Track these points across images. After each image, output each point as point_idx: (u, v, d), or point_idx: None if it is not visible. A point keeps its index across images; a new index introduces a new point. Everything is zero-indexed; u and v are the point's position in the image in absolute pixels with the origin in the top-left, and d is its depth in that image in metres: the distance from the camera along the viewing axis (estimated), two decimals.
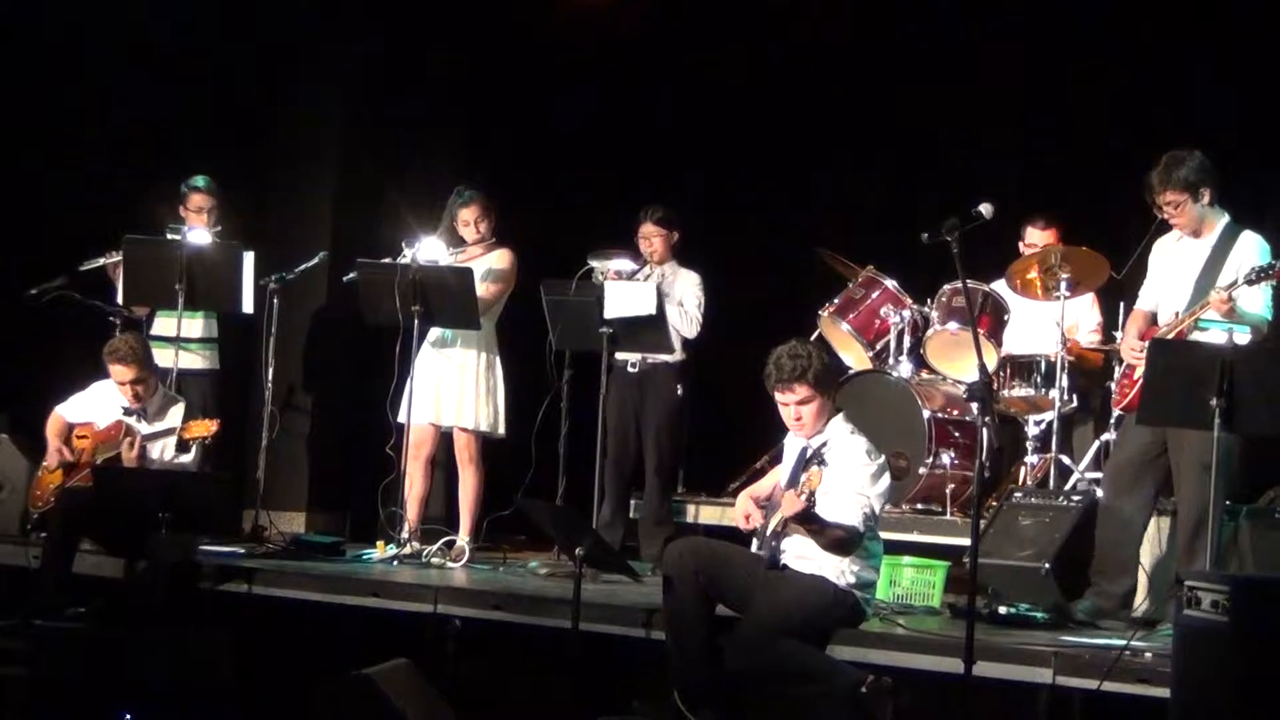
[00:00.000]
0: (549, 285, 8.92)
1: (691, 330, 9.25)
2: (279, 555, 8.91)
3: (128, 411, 8.72)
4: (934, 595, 8.01)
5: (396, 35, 11.08)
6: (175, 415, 8.76)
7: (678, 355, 9.26)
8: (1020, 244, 9.44)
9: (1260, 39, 9.67)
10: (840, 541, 6.73)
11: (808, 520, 6.62)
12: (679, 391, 9.41)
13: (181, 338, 9.38)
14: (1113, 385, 8.55)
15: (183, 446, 8.62)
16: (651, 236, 9.37)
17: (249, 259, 9.51)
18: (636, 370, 9.31)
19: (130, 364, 8.69)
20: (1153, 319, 7.79)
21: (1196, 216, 7.54)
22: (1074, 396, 9.01)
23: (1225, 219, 7.59)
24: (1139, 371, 7.56)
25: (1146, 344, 7.52)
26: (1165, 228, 7.75)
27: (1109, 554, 7.64)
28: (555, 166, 11.33)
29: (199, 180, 9.88)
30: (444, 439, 9.31)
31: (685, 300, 9.23)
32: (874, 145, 11.12)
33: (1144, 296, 7.91)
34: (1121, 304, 8.54)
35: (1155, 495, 7.71)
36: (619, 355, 9.03)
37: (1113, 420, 8.75)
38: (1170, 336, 7.46)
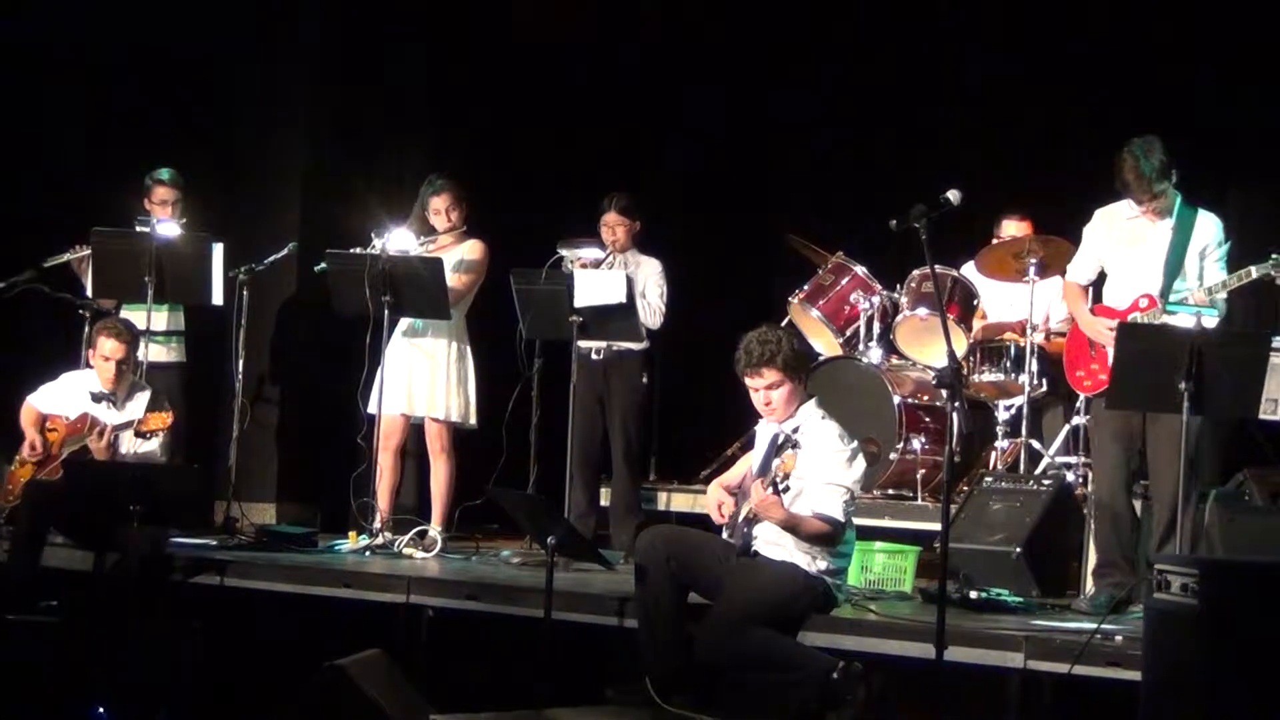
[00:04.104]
0: (519, 274, 8.91)
1: (655, 321, 9.24)
2: (251, 547, 8.91)
3: (97, 398, 8.69)
4: (905, 580, 8.03)
5: (362, 23, 11.04)
6: (142, 402, 8.75)
7: (642, 343, 9.26)
8: (995, 239, 9.46)
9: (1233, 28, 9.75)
10: (820, 534, 6.76)
11: (779, 515, 6.66)
12: (644, 379, 9.42)
13: (150, 330, 9.34)
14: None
15: (142, 436, 8.62)
16: (614, 225, 9.36)
17: (218, 250, 9.48)
18: (600, 358, 9.30)
19: (125, 341, 8.70)
20: (1088, 291, 7.78)
21: (1171, 199, 7.55)
22: (1044, 381, 9.04)
23: (1179, 197, 7.59)
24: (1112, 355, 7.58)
25: (1118, 323, 7.56)
26: (1102, 203, 7.75)
27: (1117, 552, 7.58)
28: (524, 155, 11.32)
29: (163, 173, 9.84)
30: (415, 429, 9.30)
31: (648, 290, 9.21)
32: (843, 131, 11.14)
33: (1079, 269, 7.89)
34: (1090, 289, 8.56)
35: (1132, 488, 7.73)
36: (581, 344, 9.00)
37: (1077, 405, 8.79)
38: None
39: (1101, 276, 7.86)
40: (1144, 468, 7.65)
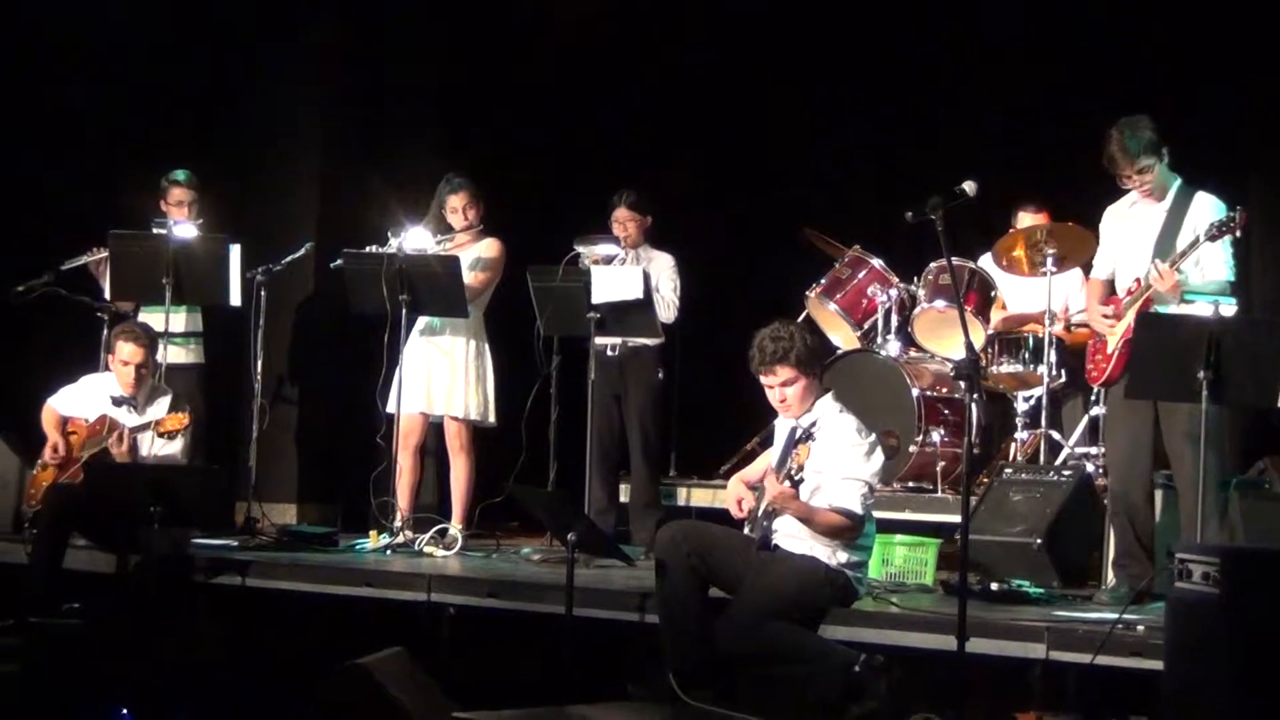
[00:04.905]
0: (536, 271, 8.91)
1: (670, 315, 9.25)
2: (272, 547, 8.92)
3: (117, 401, 8.70)
4: (926, 573, 8.02)
5: (376, 22, 11.05)
6: (162, 406, 8.76)
7: (659, 338, 9.25)
8: (1012, 230, 9.44)
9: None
10: (838, 527, 6.76)
11: (795, 506, 6.67)
12: (660, 375, 9.43)
13: (168, 332, 9.34)
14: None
15: (162, 437, 8.64)
16: (625, 221, 9.37)
17: (235, 251, 9.49)
18: (616, 354, 9.31)
19: (143, 345, 8.71)
20: (1110, 288, 7.78)
21: (1162, 180, 7.53)
22: (1062, 372, 9.02)
23: (1178, 181, 7.58)
24: (1112, 344, 7.57)
25: (1113, 309, 7.55)
26: (1118, 195, 7.75)
27: (1135, 542, 7.54)
28: (540, 151, 11.32)
29: (179, 174, 9.86)
30: (434, 427, 9.31)
31: (661, 285, 9.20)
32: (859, 124, 11.12)
33: (1099, 266, 7.88)
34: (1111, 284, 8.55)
35: (1152, 478, 7.71)
36: (598, 340, 9.00)
37: (1092, 397, 8.76)
38: (1135, 307, 7.45)
39: None
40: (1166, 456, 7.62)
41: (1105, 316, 7.62)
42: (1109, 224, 7.84)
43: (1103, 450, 8.80)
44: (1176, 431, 7.38)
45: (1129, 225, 7.69)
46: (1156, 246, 7.48)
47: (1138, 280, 7.53)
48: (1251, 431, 8.89)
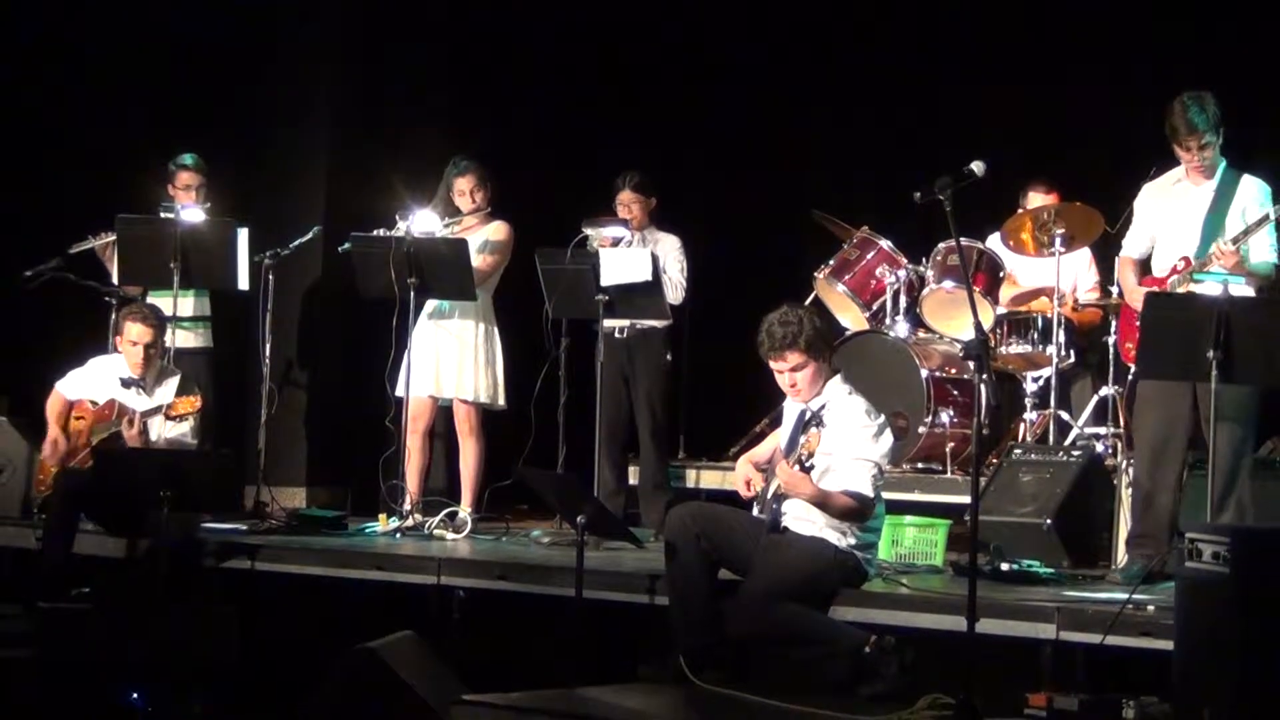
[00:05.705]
0: (544, 254, 8.91)
1: (677, 296, 9.24)
2: (281, 531, 8.92)
3: (126, 383, 8.70)
4: (936, 554, 8.02)
5: (384, 5, 11.04)
6: (171, 387, 8.77)
7: (667, 320, 9.25)
8: (1021, 209, 9.42)
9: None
10: (849, 510, 6.77)
11: (808, 491, 6.67)
12: (668, 356, 9.43)
13: (176, 316, 9.35)
14: (1111, 340, 8.56)
15: (172, 419, 8.64)
16: (630, 203, 9.37)
17: (243, 235, 9.49)
18: (624, 337, 9.31)
19: (152, 325, 8.72)
20: (1144, 267, 7.73)
21: (1216, 159, 7.48)
22: (1071, 352, 9.01)
23: (1224, 163, 7.53)
24: None
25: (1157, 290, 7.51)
26: (1127, 176, 7.70)
27: (1151, 525, 7.50)
28: (548, 134, 11.31)
29: (186, 158, 9.85)
30: (443, 410, 9.31)
31: (668, 266, 9.19)
32: (868, 104, 11.10)
33: (1132, 244, 7.80)
34: (1117, 259, 8.51)
35: (1185, 461, 7.66)
36: (606, 323, 8.99)
37: (1129, 378, 8.71)
38: (1186, 286, 7.40)
39: None
40: (1198, 438, 7.55)
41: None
42: (1147, 202, 7.74)
43: (1112, 430, 8.79)
44: (1216, 414, 7.30)
45: (1172, 204, 7.59)
46: (1206, 226, 7.42)
47: (1185, 259, 7.47)
48: (1262, 411, 8.85)
